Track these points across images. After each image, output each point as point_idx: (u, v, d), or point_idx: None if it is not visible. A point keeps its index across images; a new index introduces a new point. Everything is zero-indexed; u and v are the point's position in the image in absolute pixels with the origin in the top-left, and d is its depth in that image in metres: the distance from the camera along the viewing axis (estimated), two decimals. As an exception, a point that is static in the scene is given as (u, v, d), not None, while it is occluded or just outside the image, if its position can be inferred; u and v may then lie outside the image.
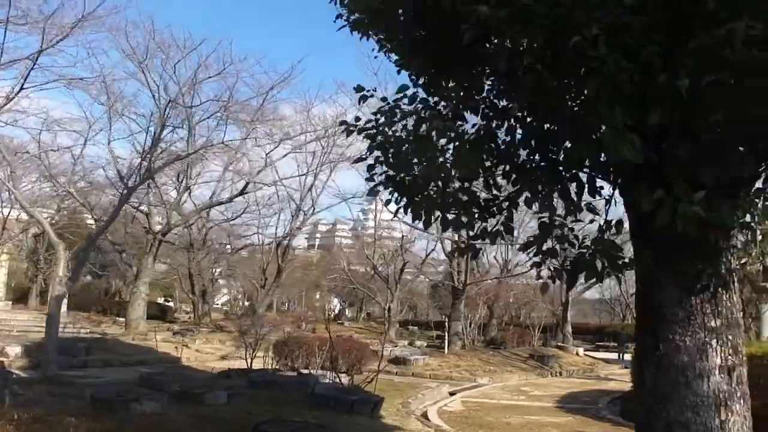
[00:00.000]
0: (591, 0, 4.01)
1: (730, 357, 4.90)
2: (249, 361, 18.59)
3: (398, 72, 5.71)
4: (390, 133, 5.27)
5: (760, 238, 6.20)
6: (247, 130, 26.24)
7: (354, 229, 75.72)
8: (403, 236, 36.90)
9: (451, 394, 19.30)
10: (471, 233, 5.52)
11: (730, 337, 4.92)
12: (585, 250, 4.87)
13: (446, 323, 29.19)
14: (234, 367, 18.76)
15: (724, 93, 3.79)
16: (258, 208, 35.41)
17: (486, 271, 38.29)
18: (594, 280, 4.85)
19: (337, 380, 15.82)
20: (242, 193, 30.67)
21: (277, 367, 19.79)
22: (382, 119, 5.28)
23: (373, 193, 5.66)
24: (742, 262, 6.36)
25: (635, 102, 4.12)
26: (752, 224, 5.82)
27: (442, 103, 5.44)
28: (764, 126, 3.97)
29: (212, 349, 26.30)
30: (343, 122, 5.51)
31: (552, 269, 5.14)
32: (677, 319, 4.95)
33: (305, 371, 17.97)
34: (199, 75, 24.41)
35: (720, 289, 4.95)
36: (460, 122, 5.34)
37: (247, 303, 58.71)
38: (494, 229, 5.41)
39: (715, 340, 4.88)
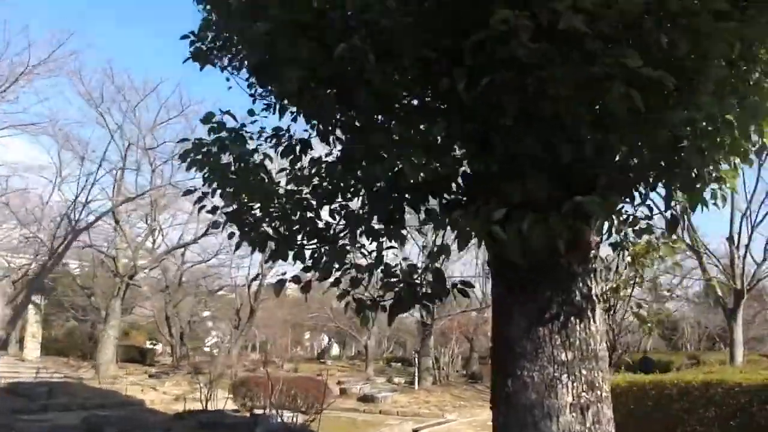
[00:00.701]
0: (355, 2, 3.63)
1: (584, 394, 4.41)
2: (204, 402, 18.17)
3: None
4: (224, 161, 4.94)
5: (629, 259, 5.81)
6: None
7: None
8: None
9: (415, 431, 18.77)
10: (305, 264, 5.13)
11: (584, 372, 4.45)
12: (399, 279, 4.56)
13: (416, 359, 28.61)
14: (195, 409, 18.34)
15: (510, 96, 3.48)
16: (230, 249, 34.94)
17: (468, 305, 37.73)
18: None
19: (288, 419, 15.43)
20: (206, 234, 30.36)
21: (236, 407, 19.32)
22: (215, 149, 4.95)
23: (215, 225, 5.38)
24: (610, 287, 5.94)
25: (419, 113, 3.85)
26: (624, 243, 5.58)
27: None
28: (553, 130, 3.64)
29: (180, 392, 25.68)
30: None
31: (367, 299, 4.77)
32: (525, 352, 4.47)
33: (259, 411, 17.48)
34: (161, 116, 24.35)
35: (573, 318, 4.52)
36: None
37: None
38: (325, 261, 5.02)
39: (565, 375, 4.41)
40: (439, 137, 3.87)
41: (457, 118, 3.81)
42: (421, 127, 3.92)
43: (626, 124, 3.52)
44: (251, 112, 5.21)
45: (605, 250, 5.75)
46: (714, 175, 4.32)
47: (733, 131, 3.63)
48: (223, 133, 4.91)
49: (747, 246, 24.25)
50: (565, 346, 4.48)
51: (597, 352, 4.58)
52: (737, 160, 4.64)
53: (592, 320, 4.61)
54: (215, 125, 4.97)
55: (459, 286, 4.66)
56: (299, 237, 5.05)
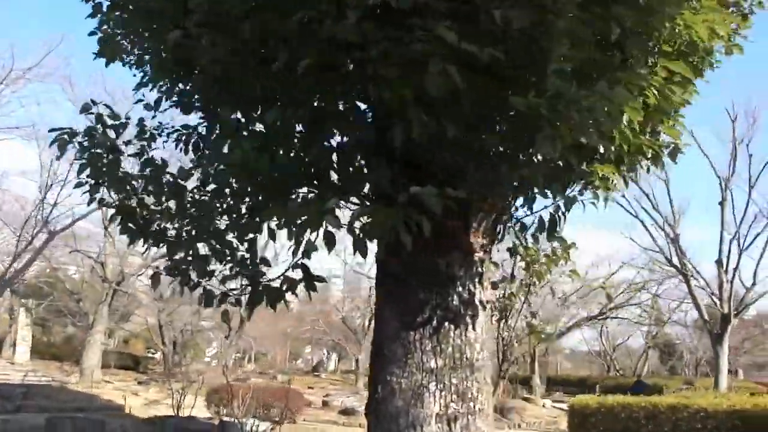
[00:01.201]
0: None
1: (452, 404, 4.15)
2: (176, 408, 18.00)
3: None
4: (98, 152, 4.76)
5: (522, 264, 5.55)
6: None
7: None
8: (371, 287, 35.88)
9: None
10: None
11: (454, 381, 4.18)
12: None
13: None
14: (166, 415, 18.19)
15: (334, 79, 3.29)
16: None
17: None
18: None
19: (257, 427, 15.31)
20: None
21: (209, 414, 19.16)
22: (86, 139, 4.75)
23: (113, 219, 5.22)
24: (506, 293, 5.69)
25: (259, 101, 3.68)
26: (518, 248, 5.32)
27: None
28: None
29: (162, 398, 25.54)
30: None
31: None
32: (395, 357, 4.22)
33: (228, 419, 17.27)
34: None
35: (447, 323, 4.28)
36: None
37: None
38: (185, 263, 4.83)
39: (433, 384, 4.15)
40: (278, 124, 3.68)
41: (291, 103, 3.62)
42: (258, 114, 3.76)
43: (450, 106, 3.29)
44: (148, 107, 5.06)
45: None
46: (600, 174, 4.10)
47: (597, 121, 3.35)
48: (98, 125, 4.73)
49: (735, 269, 23.79)
50: (436, 353, 4.25)
51: (473, 361, 4.33)
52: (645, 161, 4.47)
53: (470, 327, 4.38)
54: (96, 115, 4.81)
55: (306, 281, 4.41)
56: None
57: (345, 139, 3.91)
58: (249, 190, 4.27)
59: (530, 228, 4.82)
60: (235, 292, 4.65)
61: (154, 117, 5.14)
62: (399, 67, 3.08)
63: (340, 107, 3.63)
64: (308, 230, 3.69)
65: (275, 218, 3.98)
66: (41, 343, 38.75)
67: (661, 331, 59.90)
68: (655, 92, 3.75)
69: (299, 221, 3.61)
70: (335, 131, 3.75)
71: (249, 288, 4.54)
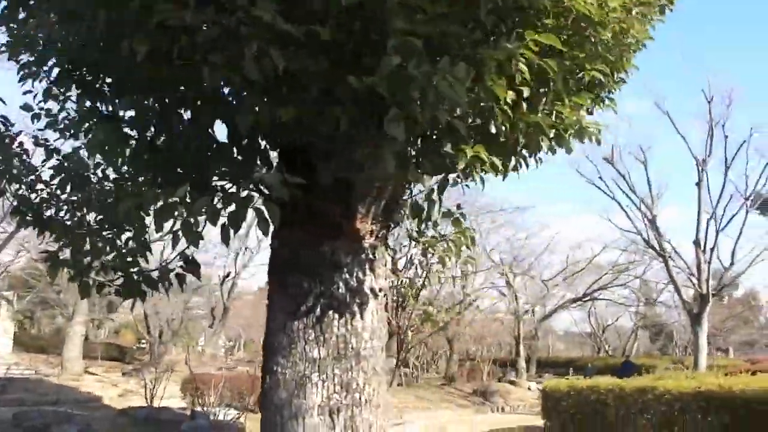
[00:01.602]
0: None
1: (335, 396, 4.04)
2: (149, 398, 17.93)
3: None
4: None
5: (416, 251, 5.43)
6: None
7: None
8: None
9: None
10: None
11: (337, 371, 4.06)
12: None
13: None
14: (144, 405, 18.11)
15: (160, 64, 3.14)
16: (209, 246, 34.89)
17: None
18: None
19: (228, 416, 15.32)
20: (171, 231, 30.02)
21: (184, 404, 19.08)
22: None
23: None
24: (403, 281, 5.53)
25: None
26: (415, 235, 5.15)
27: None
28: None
29: (139, 389, 25.44)
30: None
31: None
32: (281, 348, 4.13)
33: (199, 409, 17.20)
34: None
35: (331, 312, 4.14)
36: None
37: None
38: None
39: (316, 374, 4.04)
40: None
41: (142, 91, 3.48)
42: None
43: (293, 89, 3.13)
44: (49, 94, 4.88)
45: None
46: (469, 154, 3.90)
47: (448, 99, 3.15)
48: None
49: (712, 249, 23.66)
50: (319, 343, 4.13)
51: (359, 350, 4.21)
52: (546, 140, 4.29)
53: (358, 315, 4.25)
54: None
55: (180, 269, 4.29)
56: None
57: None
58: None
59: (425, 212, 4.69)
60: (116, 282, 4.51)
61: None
62: (224, 52, 2.94)
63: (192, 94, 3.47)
64: (168, 219, 3.55)
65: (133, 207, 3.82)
66: (26, 335, 38.58)
67: (650, 312, 60.23)
68: (528, 67, 3.55)
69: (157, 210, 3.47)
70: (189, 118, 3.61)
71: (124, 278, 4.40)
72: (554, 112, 4.28)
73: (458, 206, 4.94)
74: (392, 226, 4.63)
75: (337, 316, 4.17)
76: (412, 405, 23.55)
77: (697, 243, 23.86)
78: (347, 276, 4.24)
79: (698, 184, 24.01)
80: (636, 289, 41.79)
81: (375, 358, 4.31)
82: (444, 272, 5.64)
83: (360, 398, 4.13)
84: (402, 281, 5.44)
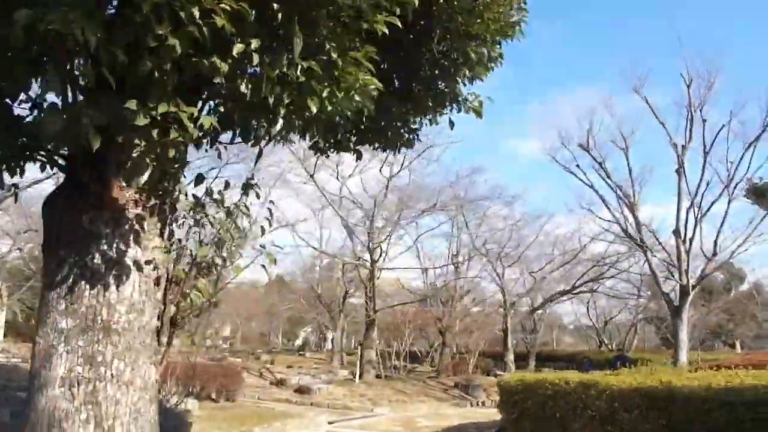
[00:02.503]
0: None
1: (78, 368, 3.85)
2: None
3: None
4: None
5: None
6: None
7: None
8: (343, 265, 35.31)
9: (330, 423, 18.16)
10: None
11: (81, 343, 3.89)
12: None
13: (359, 351, 27.90)
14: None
15: None
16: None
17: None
18: None
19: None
20: None
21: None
22: None
23: None
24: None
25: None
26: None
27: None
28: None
29: (122, 378, 25.48)
30: None
31: None
32: (41, 318, 4.06)
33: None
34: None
35: (83, 282, 3.93)
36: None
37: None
38: None
39: (62, 345, 3.88)
40: None
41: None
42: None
43: None
44: None
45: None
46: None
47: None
48: None
49: (692, 239, 22.85)
50: (68, 313, 3.92)
51: (110, 323, 4.02)
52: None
53: (113, 288, 4.04)
54: None
55: None
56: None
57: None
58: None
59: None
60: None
61: None
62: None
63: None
64: None
65: None
66: (21, 325, 38.82)
67: (649, 305, 59.33)
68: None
69: None
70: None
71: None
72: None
73: (251, 177, 4.76)
74: (164, 195, 4.33)
75: (88, 287, 3.98)
76: (388, 398, 23.27)
77: (677, 233, 23.06)
78: (105, 247, 4.06)
79: (678, 171, 23.26)
80: (635, 282, 41.09)
81: (132, 333, 4.06)
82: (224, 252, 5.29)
83: (105, 373, 3.94)
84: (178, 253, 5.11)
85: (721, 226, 22.67)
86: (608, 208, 24.72)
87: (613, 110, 31.12)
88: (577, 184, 28.66)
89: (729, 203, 22.82)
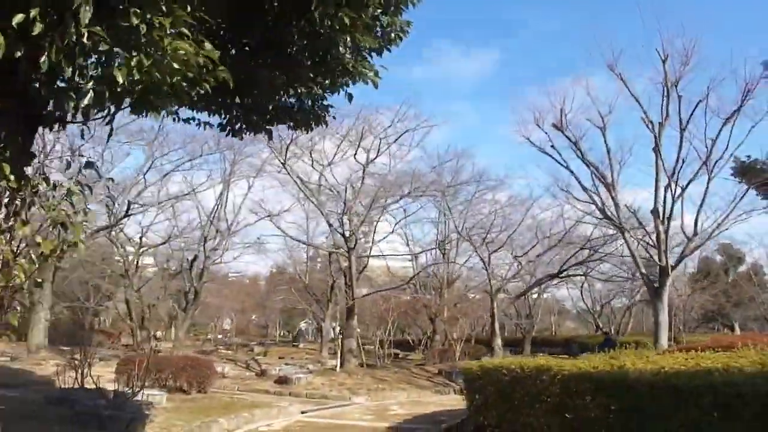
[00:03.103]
0: None
1: None
2: (80, 379, 17.70)
3: None
4: None
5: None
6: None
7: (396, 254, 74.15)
8: (330, 253, 34.91)
9: (303, 413, 17.99)
10: None
11: None
12: None
13: (340, 340, 27.68)
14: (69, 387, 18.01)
15: None
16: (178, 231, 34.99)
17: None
18: None
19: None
20: (126, 215, 29.98)
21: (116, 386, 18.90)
22: None
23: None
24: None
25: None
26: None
27: None
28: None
29: (104, 373, 25.37)
30: None
31: None
32: None
33: (127, 390, 16.92)
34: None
35: None
36: None
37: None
38: None
39: None
40: None
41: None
42: None
43: None
44: None
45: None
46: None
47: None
48: None
49: (669, 218, 22.37)
50: None
51: None
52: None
53: None
54: None
55: None
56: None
57: None
58: None
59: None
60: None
61: None
62: None
63: None
64: None
65: None
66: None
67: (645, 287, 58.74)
68: None
69: None
70: None
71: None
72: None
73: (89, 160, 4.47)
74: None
75: None
76: (368, 387, 23.04)
77: (655, 212, 22.57)
78: None
79: (655, 150, 22.71)
80: (630, 264, 40.65)
81: None
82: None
83: None
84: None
85: (701, 205, 22.24)
86: (584, 189, 24.22)
87: (591, 90, 30.29)
88: (556, 168, 27.88)
89: (709, 181, 22.31)
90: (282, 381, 23.12)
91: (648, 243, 24.13)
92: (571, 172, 24.21)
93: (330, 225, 28.03)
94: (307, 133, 8.09)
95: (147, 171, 31.45)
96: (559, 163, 24.35)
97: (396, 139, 28.06)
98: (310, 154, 27.34)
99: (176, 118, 7.09)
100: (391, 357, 33.21)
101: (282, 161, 25.84)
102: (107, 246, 37.39)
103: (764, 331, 48.71)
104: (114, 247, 35.36)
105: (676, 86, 22.09)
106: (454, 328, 33.52)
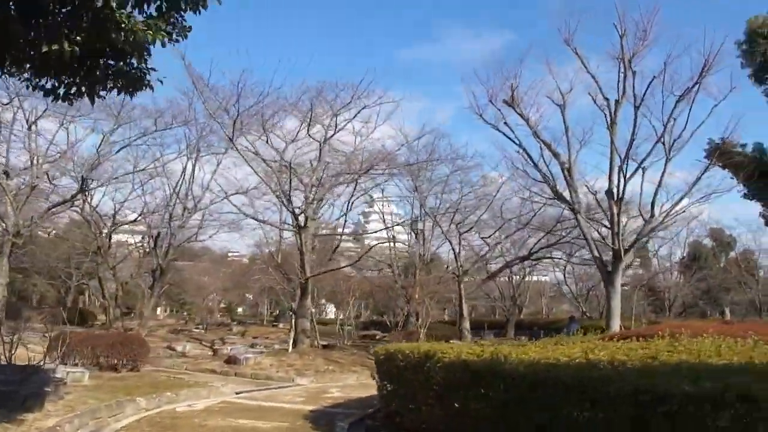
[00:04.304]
0: None
1: None
2: (9, 355, 17.59)
3: None
4: None
5: None
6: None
7: (355, 232, 73.67)
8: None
9: (237, 393, 17.77)
10: None
11: None
12: None
13: (292, 321, 27.34)
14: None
15: None
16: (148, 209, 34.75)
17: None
18: None
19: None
20: (81, 191, 29.69)
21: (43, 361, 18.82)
22: None
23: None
24: None
25: None
26: None
27: None
28: None
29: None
30: None
31: None
32: None
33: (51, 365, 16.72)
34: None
35: None
36: None
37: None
38: None
39: None
40: None
41: None
42: None
43: None
44: None
45: None
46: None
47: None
48: None
49: (621, 199, 21.58)
50: None
51: None
52: None
53: None
54: None
55: None
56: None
57: None
58: None
59: None
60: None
61: None
62: None
63: None
64: None
65: None
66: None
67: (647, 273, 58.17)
68: None
69: None
70: None
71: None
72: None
73: None
74: None
75: None
76: (317, 368, 22.80)
77: (609, 193, 21.80)
78: None
79: (609, 128, 21.89)
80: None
81: None
82: None
83: None
84: None
85: (659, 186, 21.45)
86: (536, 167, 23.38)
87: (552, 67, 27.84)
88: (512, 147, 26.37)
89: (667, 162, 21.44)
90: (231, 361, 22.96)
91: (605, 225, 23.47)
92: (524, 149, 23.33)
93: (282, 202, 27.51)
94: (131, 98, 7.76)
95: (100, 146, 31.05)
96: (512, 140, 23.46)
97: (355, 116, 27.51)
98: (264, 130, 26.72)
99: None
100: (368, 338, 32.88)
101: (229, 136, 25.29)
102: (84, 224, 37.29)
103: (748, 317, 48.12)
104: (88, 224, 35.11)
105: (630, 62, 21.21)
106: (433, 309, 33.10)
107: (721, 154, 27.03)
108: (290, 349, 25.42)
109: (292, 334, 26.48)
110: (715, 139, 26.52)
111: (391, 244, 36.89)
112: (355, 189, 30.67)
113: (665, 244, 53.30)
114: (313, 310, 38.70)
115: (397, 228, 42.91)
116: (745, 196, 28.85)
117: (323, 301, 58.82)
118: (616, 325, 20.66)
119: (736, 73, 23.45)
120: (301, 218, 26.92)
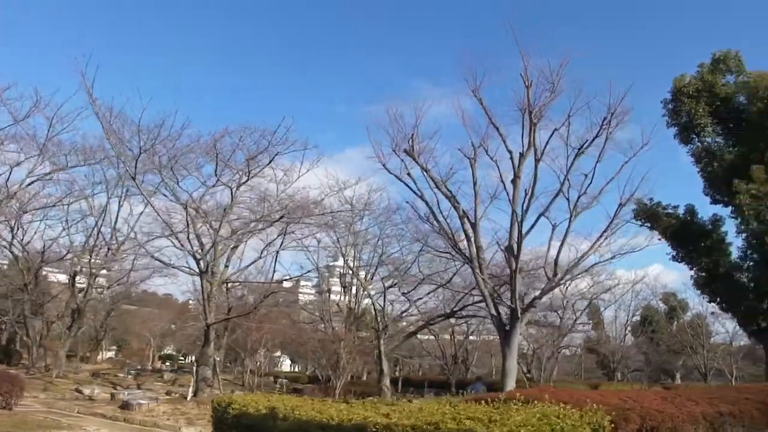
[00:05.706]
0: None
1: None
2: None
3: None
4: None
5: None
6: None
7: (317, 286, 72.46)
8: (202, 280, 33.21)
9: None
10: None
11: None
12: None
13: (194, 369, 26.60)
14: None
15: None
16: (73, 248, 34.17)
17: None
18: None
19: None
20: None
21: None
22: None
23: None
24: None
25: None
26: None
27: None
28: None
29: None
30: None
31: None
32: None
33: None
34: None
35: None
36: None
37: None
38: None
39: None
40: None
41: None
42: None
43: None
44: None
45: None
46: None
47: None
48: None
49: (517, 257, 20.91)
50: None
51: None
52: None
53: None
54: None
55: None
56: None
57: None
58: None
59: None
60: None
61: None
62: None
63: None
64: None
65: None
66: None
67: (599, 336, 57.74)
68: None
69: None
70: None
71: None
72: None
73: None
74: None
75: None
76: (208, 417, 22.03)
77: (510, 249, 21.22)
78: None
79: (513, 181, 21.41)
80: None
81: None
82: None
83: None
84: None
85: (561, 244, 21.00)
86: (437, 220, 22.85)
87: (465, 115, 26.10)
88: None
89: (571, 218, 21.00)
90: (124, 407, 22.19)
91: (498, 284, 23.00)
92: (426, 202, 22.82)
93: (176, 246, 26.92)
94: None
95: (8, 179, 30.30)
96: (414, 191, 22.93)
97: (269, 162, 27.31)
98: (171, 169, 26.14)
99: None
100: (295, 391, 32.00)
101: (132, 175, 24.89)
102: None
103: (697, 381, 47.56)
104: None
105: (530, 113, 20.86)
106: (353, 364, 32.35)
107: (651, 215, 26.93)
108: (189, 397, 24.61)
109: (192, 383, 25.67)
110: (644, 200, 26.41)
111: (324, 296, 36.44)
112: (284, 237, 30.40)
113: (609, 306, 53.23)
114: (263, 360, 37.91)
115: (332, 280, 42.60)
116: (673, 258, 28.68)
117: (278, 353, 57.93)
118: (510, 385, 19.93)
119: (659, 131, 23.13)
120: (202, 263, 26.38)
